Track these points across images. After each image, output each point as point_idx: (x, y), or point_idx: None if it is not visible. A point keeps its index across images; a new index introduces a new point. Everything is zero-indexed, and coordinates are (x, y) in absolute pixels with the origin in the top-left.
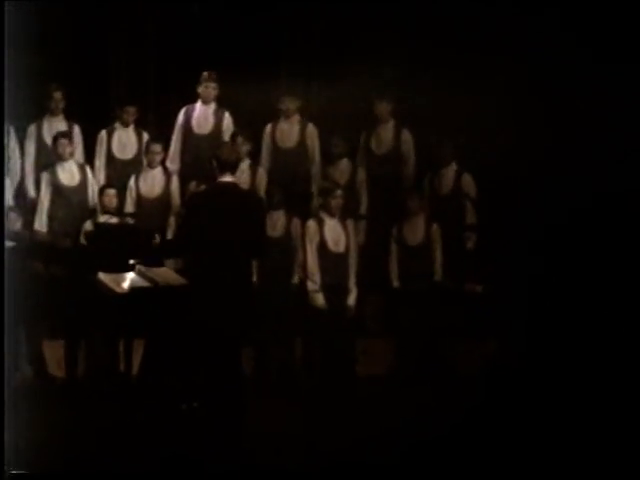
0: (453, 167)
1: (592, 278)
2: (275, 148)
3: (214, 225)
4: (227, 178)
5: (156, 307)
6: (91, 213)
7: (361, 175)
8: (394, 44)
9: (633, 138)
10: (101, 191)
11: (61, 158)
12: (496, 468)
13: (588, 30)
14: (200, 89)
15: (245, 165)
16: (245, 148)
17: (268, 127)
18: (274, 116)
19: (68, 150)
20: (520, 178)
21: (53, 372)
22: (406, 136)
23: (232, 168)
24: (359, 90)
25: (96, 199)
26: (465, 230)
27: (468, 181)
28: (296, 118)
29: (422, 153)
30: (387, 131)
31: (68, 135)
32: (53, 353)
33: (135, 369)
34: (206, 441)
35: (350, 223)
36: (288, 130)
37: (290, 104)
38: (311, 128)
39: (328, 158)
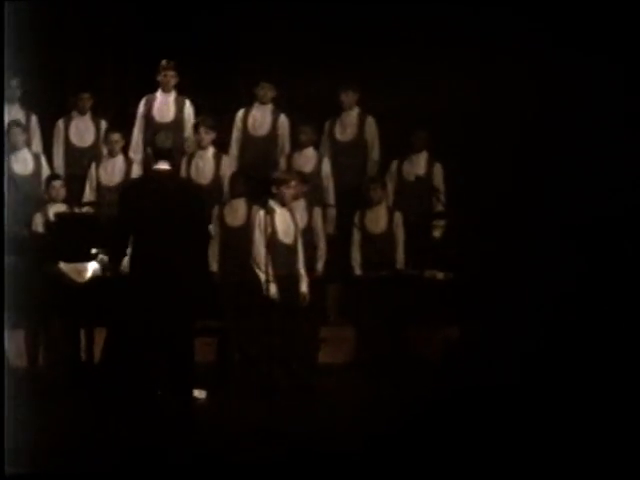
0: (424, 155)
1: (553, 264)
2: (246, 135)
3: (151, 213)
4: (163, 166)
5: (117, 296)
6: (44, 203)
7: (326, 164)
8: (363, 31)
9: (606, 134)
10: (47, 182)
11: (15, 147)
12: (460, 455)
13: (558, 20)
14: (159, 77)
15: (210, 154)
16: (209, 137)
17: (240, 113)
18: (240, 103)
19: (21, 139)
20: (483, 165)
21: (14, 362)
22: (370, 123)
23: (167, 155)
24: (324, 78)
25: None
26: (432, 218)
27: (438, 170)
28: (269, 107)
29: (389, 140)
30: (351, 118)
31: (21, 124)
32: (14, 343)
33: (96, 358)
34: (168, 429)
35: (305, 211)
36: (261, 118)
37: (268, 91)
38: (283, 118)
39: (294, 146)
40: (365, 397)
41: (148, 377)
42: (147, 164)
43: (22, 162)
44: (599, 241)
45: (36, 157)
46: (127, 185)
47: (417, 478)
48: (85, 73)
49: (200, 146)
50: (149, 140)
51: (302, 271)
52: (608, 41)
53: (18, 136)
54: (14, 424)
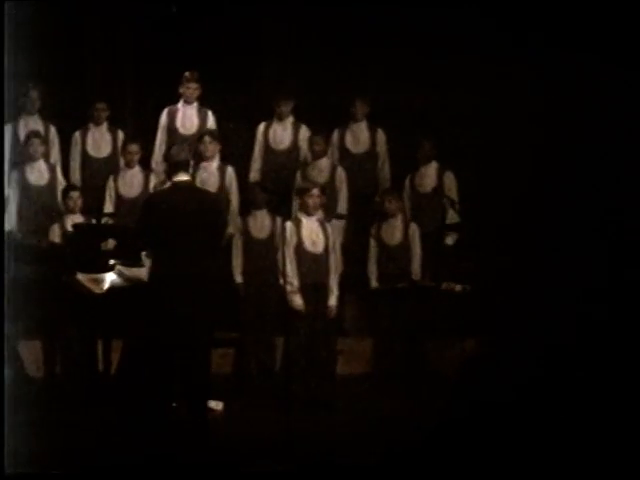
0: (434, 165)
1: (568, 274)
2: (267, 149)
3: (172, 223)
4: (181, 177)
5: (134, 307)
6: (62, 214)
7: (340, 174)
8: (373, 43)
9: (615, 138)
10: (65, 193)
11: (32, 158)
12: (475, 465)
13: (565, 23)
14: (182, 89)
15: (214, 165)
16: (213, 148)
17: (261, 126)
18: (259, 115)
19: (40, 150)
20: (500, 177)
21: (31, 372)
22: (381, 136)
23: (184, 167)
24: (336, 88)
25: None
26: (445, 229)
27: (450, 179)
28: (290, 120)
29: (402, 152)
30: (362, 129)
31: (40, 135)
32: (31, 353)
33: (113, 369)
34: (185, 439)
35: (329, 223)
36: (281, 131)
37: (284, 106)
38: (304, 130)
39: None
40: (382, 409)
41: (164, 387)
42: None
43: (37, 173)
44: (619, 250)
45: (52, 168)
46: (149, 196)
47: None
48: (101, 82)
49: (204, 157)
50: (165, 155)
51: (333, 283)
52: (618, 43)
53: (37, 147)
54: (16, 427)
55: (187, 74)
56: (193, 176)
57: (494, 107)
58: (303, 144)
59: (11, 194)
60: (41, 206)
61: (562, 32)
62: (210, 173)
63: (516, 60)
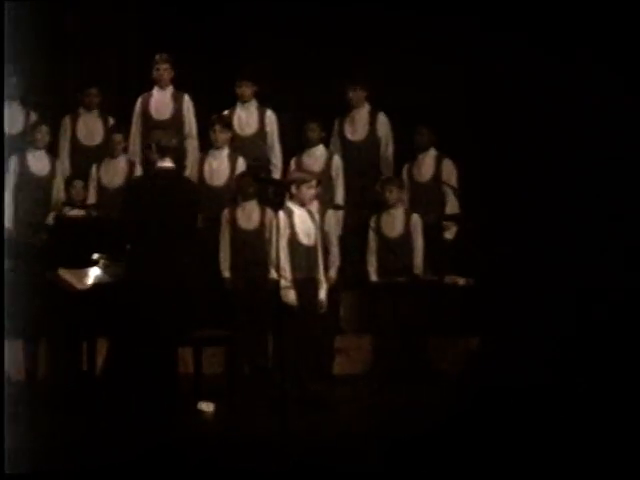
0: (432, 153)
1: (575, 269)
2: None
3: (154, 212)
4: (167, 164)
5: (120, 303)
6: (55, 206)
7: (337, 162)
8: (366, 27)
9: (606, 129)
10: (69, 182)
11: (36, 146)
12: (476, 465)
13: (565, 15)
14: (154, 73)
15: (225, 154)
16: (224, 136)
17: (225, 113)
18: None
19: (46, 139)
20: (504, 165)
21: (12, 374)
22: (382, 120)
23: (171, 153)
24: (332, 75)
25: (61, 191)
26: (446, 220)
27: (449, 166)
28: (254, 104)
29: (398, 141)
30: (362, 116)
31: (48, 122)
32: (11, 354)
33: (98, 370)
34: (177, 440)
35: (317, 213)
36: (246, 117)
37: (246, 88)
38: (270, 114)
39: (303, 145)
40: (382, 409)
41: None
42: (147, 162)
43: (40, 162)
44: (622, 243)
45: (51, 159)
46: (132, 182)
47: None
48: (88, 70)
49: (214, 146)
50: (151, 138)
51: (321, 276)
52: (618, 45)
53: (44, 135)
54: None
55: (157, 56)
56: (201, 164)
57: (496, 95)
58: (270, 127)
59: (7, 183)
60: (39, 197)
61: (565, 30)
62: (220, 162)
63: (519, 52)
